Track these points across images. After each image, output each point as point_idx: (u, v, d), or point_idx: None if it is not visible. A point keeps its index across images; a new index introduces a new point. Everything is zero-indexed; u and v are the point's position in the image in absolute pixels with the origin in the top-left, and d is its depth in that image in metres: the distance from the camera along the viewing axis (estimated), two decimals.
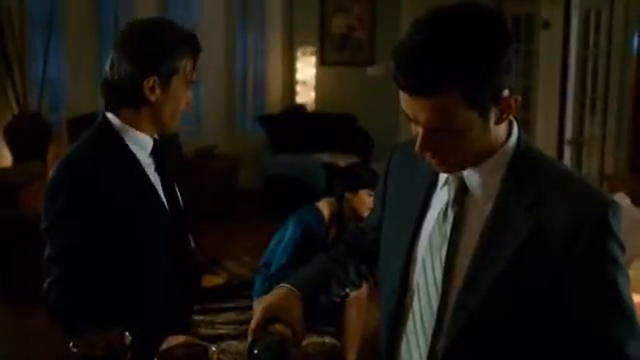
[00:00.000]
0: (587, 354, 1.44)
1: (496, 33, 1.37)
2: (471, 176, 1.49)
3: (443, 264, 1.50)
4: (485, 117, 1.39)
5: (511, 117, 1.48)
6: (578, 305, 1.41)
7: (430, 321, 1.51)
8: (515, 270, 1.41)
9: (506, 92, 1.39)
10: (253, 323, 1.56)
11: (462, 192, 1.50)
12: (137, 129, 2.04)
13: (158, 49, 1.99)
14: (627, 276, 1.45)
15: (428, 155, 1.46)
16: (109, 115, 2.04)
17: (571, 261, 1.39)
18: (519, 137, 1.50)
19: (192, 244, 2.24)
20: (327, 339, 3.51)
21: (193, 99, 2.12)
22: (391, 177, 1.74)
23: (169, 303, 2.10)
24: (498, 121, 1.42)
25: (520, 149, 1.49)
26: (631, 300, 1.45)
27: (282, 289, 1.63)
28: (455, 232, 1.50)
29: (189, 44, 2.03)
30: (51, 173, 2.00)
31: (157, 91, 1.99)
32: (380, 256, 1.71)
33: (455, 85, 1.33)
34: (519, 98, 1.42)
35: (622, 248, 1.43)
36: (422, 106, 1.36)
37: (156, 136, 2.10)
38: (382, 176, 1.77)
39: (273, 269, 3.97)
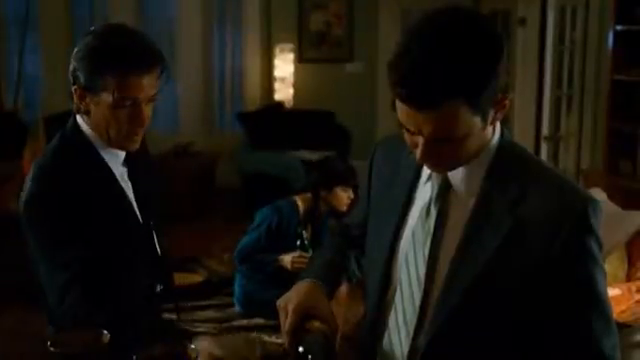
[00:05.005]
0: (564, 350, 1.45)
1: (492, 39, 1.37)
2: (455, 173, 1.50)
3: (426, 260, 1.51)
4: (485, 120, 1.41)
5: None
6: (557, 302, 1.43)
7: (412, 317, 1.52)
8: (496, 267, 1.43)
9: (500, 94, 1.40)
10: (288, 325, 1.54)
11: (446, 188, 1.52)
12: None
13: (78, 58, 1.88)
14: (604, 273, 1.47)
15: (429, 163, 1.48)
16: (79, 120, 1.98)
17: (551, 257, 1.40)
18: (502, 134, 1.52)
19: (159, 248, 2.19)
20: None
21: (151, 113, 1.95)
22: (375, 173, 1.75)
23: (138, 302, 2.09)
24: (492, 121, 1.45)
25: (503, 146, 1.50)
26: (607, 297, 1.47)
27: (303, 284, 1.63)
28: (438, 228, 1.51)
29: (115, 61, 1.84)
30: (26, 188, 1.92)
31: (88, 101, 1.90)
32: (365, 251, 1.72)
33: (460, 94, 1.33)
34: (512, 97, 1.44)
35: (600, 246, 1.45)
36: (427, 118, 1.36)
37: None
38: (366, 172, 1.78)
39: (241, 244, 4.02)
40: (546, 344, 1.45)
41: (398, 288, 1.56)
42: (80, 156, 1.95)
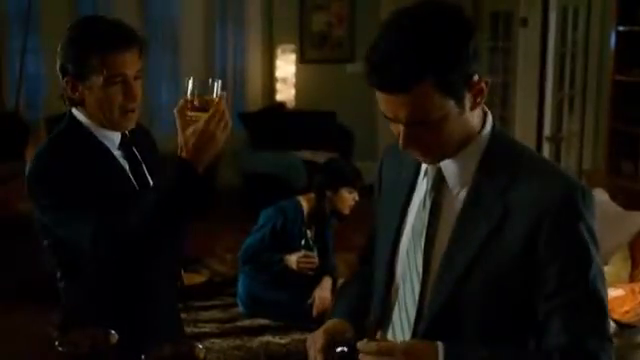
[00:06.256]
0: (556, 331, 1.44)
1: (458, 24, 1.43)
2: (448, 165, 1.54)
3: (422, 251, 1.55)
4: (461, 104, 1.45)
5: (485, 108, 1.55)
6: (546, 287, 1.44)
7: (412, 306, 1.56)
8: (487, 254, 1.46)
9: (476, 77, 1.44)
10: (319, 345, 1.58)
11: (439, 180, 1.55)
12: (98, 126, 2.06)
13: (63, 52, 2.00)
14: (597, 263, 1.46)
15: (413, 151, 1.51)
16: (75, 112, 2.06)
17: (539, 241, 1.43)
18: (493, 127, 1.55)
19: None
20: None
21: (146, 102, 2.09)
22: (383, 179, 1.78)
23: (150, 296, 2.11)
24: (473, 106, 1.48)
25: (494, 138, 1.54)
26: (602, 287, 1.46)
27: (332, 320, 1.69)
28: (432, 220, 1.55)
29: (97, 42, 1.96)
30: (28, 169, 2.02)
31: (81, 90, 2.00)
32: (375, 252, 1.74)
33: (428, 76, 1.38)
34: (489, 81, 1.48)
35: (591, 232, 1.45)
36: (401, 103, 1.42)
37: (126, 131, 2.11)
38: (376, 183, 1.81)
39: (246, 244, 4.04)
40: (538, 325, 1.46)
41: (401, 284, 1.60)
42: (78, 140, 2.04)
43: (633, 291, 3.34)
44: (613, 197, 4.10)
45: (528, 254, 1.43)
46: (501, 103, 6.92)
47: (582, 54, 6.08)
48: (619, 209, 3.95)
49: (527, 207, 1.44)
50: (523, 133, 6.49)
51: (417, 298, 1.55)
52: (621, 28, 5.33)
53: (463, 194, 1.52)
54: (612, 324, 3.17)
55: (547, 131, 6.48)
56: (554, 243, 1.42)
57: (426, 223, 1.55)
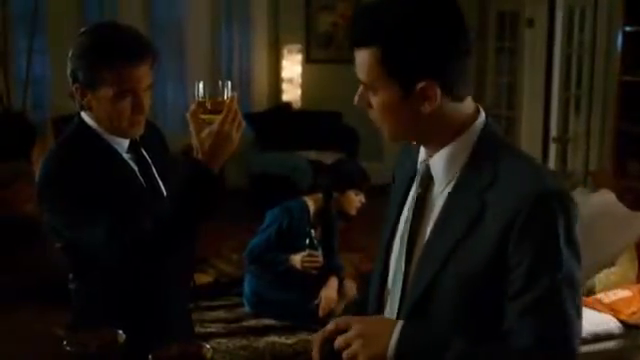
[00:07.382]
0: (530, 322, 1.41)
1: (442, 17, 1.44)
2: (435, 161, 1.55)
3: (405, 246, 1.58)
4: (405, 92, 1.46)
5: (480, 107, 1.55)
6: (511, 291, 1.42)
7: (397, 300, 1.58)
8: (462, 249, 1.46)
9: (428, 83, 1.44)
10: (318, 343, 1.52)
11: (427, 177, 1.57)
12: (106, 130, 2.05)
13: (75, 58, 1.99)
14: (568, 268, 1.42)
15: (371, 115, 1.55)
16: (84, 115, 2.06)
17: (510, 242, 1.41)
18: (486, 124, 1.54)
19: None
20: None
21: (152, 103, 2.07)
22: (395, 179, 1.80)
23: (162, 297, 2.12)
24: (424, 108, 1.47)
25: (484, 136, 1.53)
26: (568, 294, 1.41)
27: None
28: (418, 213, 1.57)
29: (111, 55, 1.94)
30: (38, 174, 2.01)
31: (89, 98, 1.99)
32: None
33: (376, 44, 1.44)
34: (436, 88, 1.46)
35: (568, 237, 1.41)
36: (356, 57, 1.50)
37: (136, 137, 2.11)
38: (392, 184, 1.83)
39: (252, 244, 4.05)
40: (513, 322, 1.43)
41: (392, 275, 1.62)
42: (88, 143, 2.04)
43: None
44: (620, 198, 4.08)
45: (499, 255, 1.42)
46: (507, 104, 6.91)
47: (588, 55, 6.07)
48: (626, 210, 3.94)
49: (502, 207, 1.42)
50: (529, 134, 6.48)
51: (400, 290, 1.57)
52: (628, 29, 5.32)
53: (447, 191, 1.53)
54: (619, 325, 3.17)
55: (553, 132, 6.47)
56: (523, 245, 1.40)
57: (410, 218, 1.58)
